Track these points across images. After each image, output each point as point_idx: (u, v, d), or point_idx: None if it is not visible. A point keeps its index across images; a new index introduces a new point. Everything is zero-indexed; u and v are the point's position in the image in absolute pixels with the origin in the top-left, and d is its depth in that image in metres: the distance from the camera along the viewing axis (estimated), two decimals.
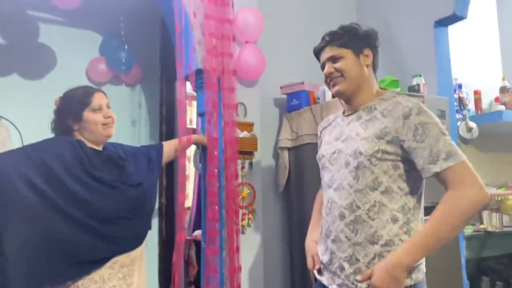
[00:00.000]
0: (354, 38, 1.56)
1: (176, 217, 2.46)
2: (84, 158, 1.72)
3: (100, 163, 1.77)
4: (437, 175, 1.37)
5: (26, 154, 1.65)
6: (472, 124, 3.35)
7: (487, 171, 3.79)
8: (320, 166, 1.67)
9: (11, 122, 2.94)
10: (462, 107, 3.50)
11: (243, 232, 2.54)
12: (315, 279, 1.63)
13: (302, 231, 2.74)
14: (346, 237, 1.46)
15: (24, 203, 1.56)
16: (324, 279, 1.56)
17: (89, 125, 1.78)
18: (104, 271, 1.67)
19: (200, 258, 2.43)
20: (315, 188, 2.64)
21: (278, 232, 2.90)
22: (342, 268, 1.46)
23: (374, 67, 1.61)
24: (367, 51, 1.57)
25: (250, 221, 2.58)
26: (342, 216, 1.48)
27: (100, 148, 1.86)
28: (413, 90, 2.71)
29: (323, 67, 1.63)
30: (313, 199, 2.65)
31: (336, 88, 1.57)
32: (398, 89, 2.65)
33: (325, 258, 1.55)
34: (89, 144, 1.81)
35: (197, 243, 3.00)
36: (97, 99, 1.81)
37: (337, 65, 1.55)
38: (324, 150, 1.65)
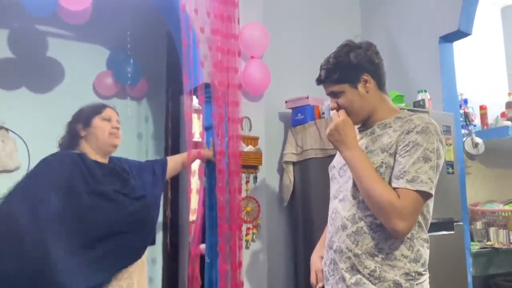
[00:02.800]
0: (347, 70, 1.52)
1: (191, 231, 2.46)
2: (85, 172, 1.73)
3: (103, 176, 1.78)
4: (397, 191, 1.36)
5: (27, 187, 1.67)
6: (478, 140, 3.34)
7: (494, 187, 3.76)
8: (330, 176, 1.67)
9: (18, 135, 2.96)
10: (468, 123, 3.49)
11: (247, 247, 2.53)
12: None
13: (306, 246, 2.73)
14: (347, 248, 1.45)
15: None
16: None
17: (96, 131, 1.83)
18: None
19: (204, 272, 2.42)
20: (320, 202, 2.64)
21: (283, 247, 2.88)
22: (343, 279, 1.45)
23: (380, 84, 1.55)
24: (365, 77, 1.51)
25: (254, 236, 2.56)
26: (344, 227, 1.47)
27: (105, 160, 1.87)
28: (418, 105, 2.71)
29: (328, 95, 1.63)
30: (318, 214, 2.64)
31: None
32: (403, 104, 2.64)
33: (327, 268, 1.55)
34: (93, 157, 1.82)
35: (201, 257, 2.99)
36: (109, 112, 1.90)
37: (339, 101, 1.54)
38: (335, 161, 1.65)
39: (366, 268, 1.41)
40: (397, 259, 1.39)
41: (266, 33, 2.67)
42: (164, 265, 3.40)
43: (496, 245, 3.33)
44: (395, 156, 1.41)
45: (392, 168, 1.41)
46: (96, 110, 1.87)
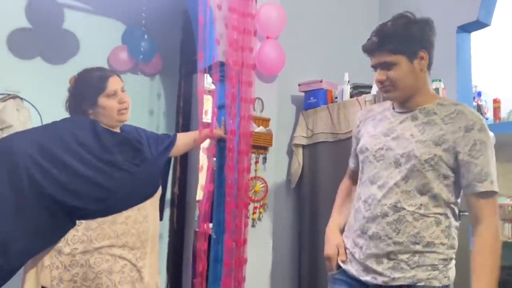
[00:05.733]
0: (407, 42, 1.44)
1: (198, 208, 2.50)
2: (96, 139, 1.74)
3: (114, 144, 1.79)
4: (476, 195, 1.41)
5: (37, 134, 1.71)
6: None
7: (502, 181, 3.74)
8: (361, 158, 1.63)
9: (32, 104, 3.00)
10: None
11: (253, 226, 2.56)
12: (337, 267, 1.62)
13: (312, 228, 2.76)
14: (387, 235, 1.45)
15: (28, 180, 1.61)
16: (352, 270, 1.55)
17: (104, 111, 1.79)
18: (115, 251, 1.70)
19: (209, 251, 2.46)
20: (328, 186, 2.66)
21: (288, 227, 2.91)
22: (379, 263, 1.46)
23: (430, 65, 1.52)
24: (422, 53, 1.46)
25: (261, 215, 2.60)
26: (384, 215, 1.47)
27: (117, 130, 1.87)
28: None
29: (373, 67, 1.54)
30: (324, 197, 2.66)
31: (388, 95, 1.53)
32: None
33: (356, 250, 1.54)
34: (104, 126, 1.82)
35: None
36: (112, 84, 1.80)
37: (390, 73, 1.46)
38: (368, 143, 1.59)
39: (406, 254, 1.44)
40: (436, 246, 1.44)
41: (283, 14, 2.66)
42: (170, 240, 3.45)
43: (502, 239, 3.33)
44: (454, 153, 1.42)
45: (447, 164, 1.43)
46: (100, 87, 1.78)
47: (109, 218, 1.70)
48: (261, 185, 2.61)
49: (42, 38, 3.16)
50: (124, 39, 3.38)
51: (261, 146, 2.61)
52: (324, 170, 2.71)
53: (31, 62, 3.13)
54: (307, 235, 2.80)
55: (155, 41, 3.38)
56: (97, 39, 3.33)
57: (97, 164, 1.71)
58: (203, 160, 3.36)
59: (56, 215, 1.63)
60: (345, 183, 1.85)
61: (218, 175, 2.47)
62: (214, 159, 2.55)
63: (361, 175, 1.62)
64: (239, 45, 2.44)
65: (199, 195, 3.39)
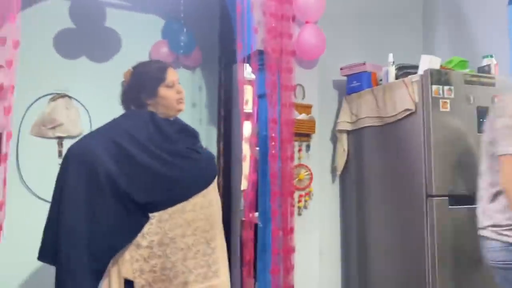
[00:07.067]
0: None
1: (243, 198, 2.51)
2: (158, 130, 1.77)
3: (175, 133, 1.83)
4: None
5: (107, 133, 1.76)
6: None
7: None
8: None
9: (81, 103, 3.10)
10: None
11: (299, 214, 2.54)
12: None
13: (359, 215, 2.70)
14: None
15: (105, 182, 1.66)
16: None
17: (164, 100, 1.82)
18: (187, 239, 1.74)
19: (256, 240, 2.47)
20: (376, 172, 2.59)
21: (334, 215, 2.87)
22: None
23: None
24: None
25: (306, 203, 2.57)
26: None
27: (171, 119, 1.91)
28: (483, 71, 2.55)
29: None
30: (371, 183, 2.60)
31: None
32: (467, 70, 2.50)
33: None
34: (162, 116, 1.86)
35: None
36: (170, 75, 1.85)
37: None
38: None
39: None
40: None
41: None
42: None
43: None
44: None
45: None
46: (160, 78, 1.82)
47: (179, 207, 1.74)
48: (305, 173, 2.57)
49: (86, 37, 3.24)
50: (164, 33, 3.42)
51: (304, 134, 2.58)
52: (371, 156, 2.64)
53: (76, 61, 3.22)
54: (354, 220, 2.75)
55: (194, 34, 3.39)
56: (138, 35, 3.38)
57: (162, 155, 1.75)
58: (246, 150, 3.36)
59: (130, 211, 1.69)
60: None
61: (262, 164, 2.46)
62: (257, 148, 2.54)
63: None
64: (277, 32, 2.40)
65: (244, 184, 3.40)
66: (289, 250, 2.32)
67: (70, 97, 3.07)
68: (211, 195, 1.86)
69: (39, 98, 2.99)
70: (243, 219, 3.18)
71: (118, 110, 1.91)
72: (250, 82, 3.29)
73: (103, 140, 1.72)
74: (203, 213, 1.79)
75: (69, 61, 3.19)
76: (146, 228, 1.69)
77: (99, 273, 1.65)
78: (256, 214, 2.48)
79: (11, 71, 1.71)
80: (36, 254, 1.70)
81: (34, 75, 2.91)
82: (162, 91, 1.82)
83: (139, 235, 1.68)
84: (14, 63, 1.72)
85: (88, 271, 1.63)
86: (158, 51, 3.42)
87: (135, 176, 1.69)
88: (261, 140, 2.49)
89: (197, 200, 1.79)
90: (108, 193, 1.66)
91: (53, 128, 2.98)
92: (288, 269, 2.32)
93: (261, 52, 2.42)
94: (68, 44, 3.19)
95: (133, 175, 1.69)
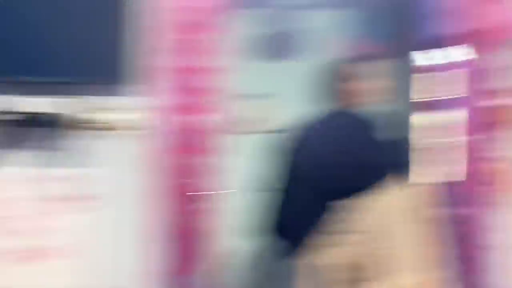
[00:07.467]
0: None
1: None
2: (364, 123, 1.83)
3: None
4: None
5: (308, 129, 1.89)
6: None
7: None
8: None
9: (280, 103, 3.27)
10: None
11: None
12: None
13: None
14: None
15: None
16: None
17: (358, 94, 1.88)
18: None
19: None
20: None
21: None
22: None
23: None
24: None
25: None
26: None
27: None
28: None
29: None
30: None
31: None
32: None
33: None
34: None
35: None
36: (362, 68, 1.90)
37: None
38: None
39: None
40: None
41: None
42: None
43: None
44: None
45: None
46: (353, 72, 1.90)
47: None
48: None
49: (282, 40, 3.41)
50: (360, 27, 3.37)
51: None
52: None
53: (274, 64, 3.41)
54: None
55: (389, 22, 3.25)
56: (333, 32, 3.40)
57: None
58: None
59: (319, 202, 1.77)
60: None
61: None
62: None
63: None
64: None
65: None
66: None
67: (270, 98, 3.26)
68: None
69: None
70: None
71: None
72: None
73: (304, 136, 1.88)
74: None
75: (267, 64, 3.40)
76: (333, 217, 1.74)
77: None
78: None
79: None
80: None
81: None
82: (354, 85, 1.90)
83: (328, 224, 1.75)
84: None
85: None
86: (353, 45, 3.37)
87: (326, 167, 1.78)
88: None
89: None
90: (307, 187, 1.80)
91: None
92: None
93: None
94: (267, 49, 3.40)
95: (324, 166, 1.78)
